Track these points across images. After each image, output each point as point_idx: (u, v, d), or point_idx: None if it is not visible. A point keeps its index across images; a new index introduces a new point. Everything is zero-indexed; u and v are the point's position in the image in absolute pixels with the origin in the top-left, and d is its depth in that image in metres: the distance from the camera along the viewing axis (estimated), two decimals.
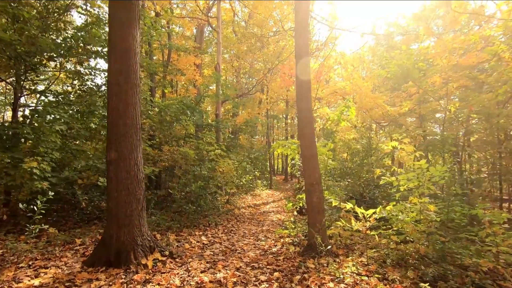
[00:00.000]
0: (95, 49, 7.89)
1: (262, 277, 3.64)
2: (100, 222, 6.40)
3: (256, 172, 15.22)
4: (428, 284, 3.14)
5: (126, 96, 4.11)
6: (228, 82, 20.10)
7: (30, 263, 3.95)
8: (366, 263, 4.11)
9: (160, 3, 11.68)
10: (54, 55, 7.57)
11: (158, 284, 3.37)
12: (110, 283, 3.35)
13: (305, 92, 4.88)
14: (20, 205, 4.45)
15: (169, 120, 9.35)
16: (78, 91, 8.02)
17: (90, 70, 8.01)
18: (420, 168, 4.32)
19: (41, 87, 9.10)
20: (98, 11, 8.17)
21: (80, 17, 8.03)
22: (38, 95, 9.15)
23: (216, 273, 3.76)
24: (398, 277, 3.53)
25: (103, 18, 7.72)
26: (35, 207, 4.21)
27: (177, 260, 4.19)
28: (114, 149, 4.03)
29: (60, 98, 7.51)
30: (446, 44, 9.93)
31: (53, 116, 6.88)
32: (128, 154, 4.07)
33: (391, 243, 4.37)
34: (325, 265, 3.98)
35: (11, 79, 7.70)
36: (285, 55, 18.46)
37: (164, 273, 3.71)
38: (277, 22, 18.96)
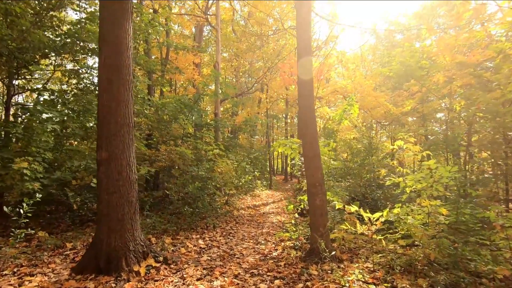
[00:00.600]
0: (92, 47, 7.65)
1: (262, 286, 3.41)
2: (94, 224, 6.16)
3: (256, 172, 14.99)
4: None
5: (118, 93, 3.87)
6: (227, 81, 19.88)
7: (15, 270, 3.71)
8: (372, 269, 3.88)
9: (158, 2, 11.46)
10: (48, 52, 7.34)
11: None
12: None
13: (307, 89, 4.65)
14: (5, 209, 4.21)
15: (167, 119, 9.12)
16: (74, 90, 7.79)
17: (86, 69, 7.77)
18: (429, 168, 4.10)
19: (39, 87, 8.89)
20: (94, 9, 7.94)
21: (76, 14, 7.77)
22: (33, 94, 8.93)
23: (213, 281, 3.53)
24: (407, 285, 3.31)
25: (98, 14, 7.48)
26: (21, 210, 3.97)
27: (172, 266, 3.96)
28: (104, 148, 3.80)
29: (55, 97, 7.26)
30: (449, 42, 9.72)
31: (45, 115, 6.65)
32: (119, 154, 3.83)
33: (398, 247, 4.14)
34: (329, 271, 3.75)
35: (3, 77, 7.45)
36: (285, 54, 18.25)
37: (157, 280, 3.48)
38: (277, 21, 18.75)
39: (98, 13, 7.26)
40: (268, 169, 20.80)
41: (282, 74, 13.95)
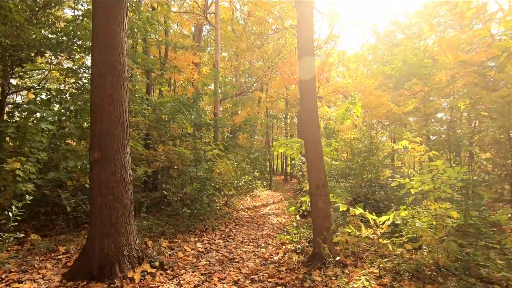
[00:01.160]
0: (89, 45, 7.47)
1: None
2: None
3: (255, 173, 14.81)
4: None
5: (112, 90, 3.69)
6: (227, 81, 19.70)
7: (4, 276, 3.53)
8: (378, 274, 3.70)
9: (157, 0, 11.26)
10: (43, 50, 7.16)
11: None
12: None
13: (308, 89, 4.47)
14: None
15: (165, 118, 8.94)
16: (71, 89, 7.61)
17: (84, 68, 7.59)
18: (436, 169, 3.92)
19: (35, 86, 8.71)
20: (89, 8, 7.76)
21: (73, 12, 7.58)
22: (29, 93, 8.75)
23: None
24: None
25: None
26: (10, 213, 3.79)
27: (168, 272, 3.78)
28: (97, 148, 3.62)
29: (51, 96, 7.07)
30: (452, 40, 9.56)
31: (39, 114, 6.48)
32: (113, 154, 3.66)
33: (405, 252, 3.97)
34: (333, 277, 3.58)
35: None
36: (285, 53, 18.07)
37: (152, 287, 3.30)
38: (277, 19, 18.57)
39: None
40: (268, 169, 20.62)
41: (282, 73, 13.78)
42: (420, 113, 12.51)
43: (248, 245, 5.45)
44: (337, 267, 3.85)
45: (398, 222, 3.77)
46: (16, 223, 3.85)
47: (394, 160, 15.40)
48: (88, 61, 8.38)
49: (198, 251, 4.83)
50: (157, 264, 3.81)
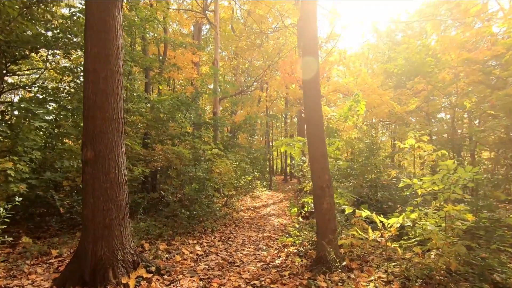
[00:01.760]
0: None
1: None
2: None
3: (255, 173, 14.62)
4: None
5: (105, 85, 3.50)
6: (226, 80, 19.52)
7: None
8: (386, 279, 3.52)
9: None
10: (38, 46, 6.96)
11: None
12: None
13: (313, 85, 4.29)
14: None
15: (163, 117, 8.74)
16: (67, 87, 7.41)
17: (81, 67, 7.39)
18: (447, 168, 3.74)
19: (30, 84, 8.51)
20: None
21: (69, 9, 7.38)
22: (26, 92, 8.56)
23: None
24: None
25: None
26: None
27: (165, 277, 3.59)
28: (90, 147, 3.42)
29: (47, 95, 6.88)
30: (455, 38, 9.41)
31: (35, 112, 6.28)
32: (107, 153, 3.46)
33: (414, 255, 3.78)
34: (340, 283, 3.39)
35: None
36: (285, 52, 17.91)
37: None
38: (277, 18, 18.40)
39: None
40: (268, 170, 20.45)
41: (283, 72, 13.59)
42: (421, 113, 12.35)
43: (249, 247, 5.26)
44: (342, 271, 3.67)
45: (408, 224, 3.58)
46: (5, 226, 3.64)
47: (394, 160, 15.23)
48: None
49: (197, 254, 4.64)
50: (153, 268, 3.62)
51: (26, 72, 9.59)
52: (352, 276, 3.63)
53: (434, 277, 3.46)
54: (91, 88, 3.48)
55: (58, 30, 6.82)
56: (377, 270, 3.94)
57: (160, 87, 13.35)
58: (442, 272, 3.53)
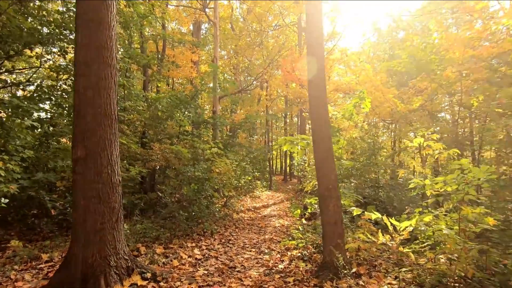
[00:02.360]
0: None
1: None
2: None
3: (255, 173, 14.40)
4: None
5: (97, 79, 3.27)
6: (226, 79, 19.28)
7: None
8: (398, 286, 3.29)
9: None
10: (32, 41, 6.72)
11: None
12: None
13: (319, 79, 4.06)
14: None
15: (161, 116, 8.50)
16: (64, 85, 7.18)
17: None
18: (461, 168, 3.52)
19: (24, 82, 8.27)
20: None
21: (65, 5, 7.14)
22: (18, 90, 8.33)
23: None
24: None
25: None
26: None
27: (161, 284, 3.36)
28: (81, 145, 3.19)
29: (41, 93, 6.64)
30: (460, 35, 9.21)
31: (27, 110, 6.05)
32: (99, 152, 3.23)
33: (427, 261, 3.56)
34: None
35: None
36: (285, 51, 17.69)
37: None
38: (277, 16, 18.18)
39: None
40: (268, 169, 20.23)
41: (284, 70, 13.37)
42: (424, 112, 12.13)
43: (250, 251, 5.03)
44: (351, 278, 3.44)
45: (422, 228, 3.35)
46: None
47: (394, 160, 15.03)
48: None
49: (196, 258, 4.41)
50: (149, 275, 3.39)
51: (21, 69, 9.35)
52: (361, 282, 3.41)
53: (449, 285, 3.24)
54: (82, 82, 3.25)
55: (53, 26, 6.58)
56: (386, 275, 3.72)
57: (159, 85, 13.10)
58: (457, 278, 3.31)
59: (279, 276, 3.74)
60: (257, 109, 19.31)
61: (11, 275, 3.49)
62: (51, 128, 6.81)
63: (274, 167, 32.89)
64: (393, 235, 3.38)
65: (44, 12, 7.08)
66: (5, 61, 7.13)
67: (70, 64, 7.25)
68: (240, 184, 11.99)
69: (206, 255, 4.59)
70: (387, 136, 19.77)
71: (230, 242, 5.61)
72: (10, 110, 5.55)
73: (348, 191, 5.53)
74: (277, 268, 4.09)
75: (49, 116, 6.84)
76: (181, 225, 5.70)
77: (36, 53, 7.81)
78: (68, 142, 7.27)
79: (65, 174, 5.92)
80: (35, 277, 3.54)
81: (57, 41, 6.86)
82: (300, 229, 5.46)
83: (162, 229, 5.62)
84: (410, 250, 3.33)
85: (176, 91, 11.10)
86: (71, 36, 6.92)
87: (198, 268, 3.99)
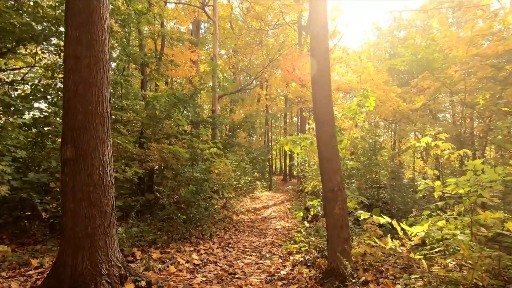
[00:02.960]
0: None
1: None
2: None
3: (255, 173, 14.20)
4: None
5: (88, 74, 3.06)
6: (225, 78, 19.10)
7: None
8: None
9: None
10: (25, 37, 6.50)
11: None
12: None
13: (323, 73, 3.86)
14: None
15: (159, 114, 8.29)
16: (60, 83, 6.96)
17: None
18: (474, 169, 3.33)
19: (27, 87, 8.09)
20: None
21: None
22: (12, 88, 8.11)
23: None
24: None
25: None
26: None
27: None
28: (70, 144, 2.98)
29: (36, 91, 6.43)
30: (464, 33, 9.04)
31: (18, 108, 5.84)
32: (90, 152, 3.02)
33: (439, 268, 3.36)
34: None
35: None
36: (285, 48, 17.50)
37: None
38: (277, 15, 17.99)
39: None
40: (268, 170, 20.03)
41: (284, 69, 13.18)
42: (426, 111, 11.96)
43: (251, 255, 4.83)
44: (357, 285, 3.24)
45: (435, 233, 3.15)
46: None
47: (394, 160, 14.87)
48: None
49: (194, 263, 4.20)
50: (143, 283, 3.18)
51: (15, 68, 9.13)
52: None
53: None
54: (72, 77, 3.04)
55: (46, 21, 6.37)
56: (395, 282, 3.52)
57: (158, 83, 12.89)
58: (472, 286, 3.12)
59: (281, 283, 3.54)
60: (257, 109, 19.13)
61: None
62: (46, 128, 6.61)
63: (273, 167, 32.72)
64: (404, 240, 3.18)
65: (38, 8, 6.87)
66: None
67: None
68: (239, 185, 11.80)
69: (205, 260, 4.39)
70: (387, 136, 19.61)
71: (230, 245, 5.40)
72: (1, 108, 5.35)
73: (352, 193, 5.34)
74: (279, 274, 3.89)
75: (44, 116, 6.64)
76: (179, 228, 5.50)
77: (31, 50, 7.60)
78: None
79: (59, 175, 5.71)
80: (22, 285, 3.33)
81: (51, 38, 6.65)
82: (303, 232, 5.25)
83: (159, 232, 5.42)
84: (422, 256, 3.13)
85: (174, 90, 10.89)
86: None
87: (196, 275, 3.78)
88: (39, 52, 7.56)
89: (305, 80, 13.25)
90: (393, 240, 3.38)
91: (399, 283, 3.51)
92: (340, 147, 5.52)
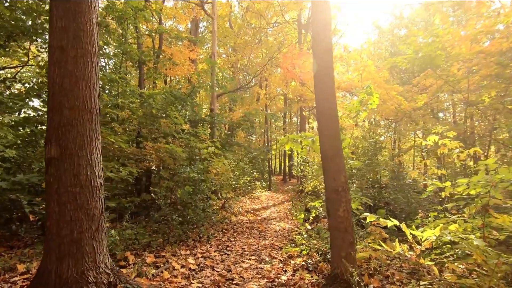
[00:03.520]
0: None
1: None
2: None
3: (254, 173, 13.99)
4: None
5: (75, 67, 2.85)
6: (224, 77, 18.91)
7: None
8: None
9: None
10: (15, 33, 6.29)
11: None
12: None
13: (326, 71, 3.66)
14: None
15: (155, 113, 8.07)
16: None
17: None
18: (486, 169, 3.13)
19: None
20: None
21: None
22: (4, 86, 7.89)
23: None
24: None
25: None
26: None
27: None
28: (55, 142, 2.77)
29: (29, 89, 6.21)
30: (467, 31, 8.87)
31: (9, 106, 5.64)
32: (77, 150, 2.81)
33: (450, 274, 3.16)
34: None
35: None
36: (285, 48, 17.30)
37: None
38: (277, 13, 17.79)
39: None
40: (268, 169, 19.83)
41: (284, 67, 12.98)
42: (427, 110, 11.78)
43: (249, 259, 4.62)
44: None
45: (448, 238, 2.94)
46: None
47: (394, 160, 14.70)
48: None
49: (189, 268, 3.99)
50: None
51: (6, 67, 8.91)
52: None
53: None
54: (57, 70, 2.82)
55: (38, 15, 6.15)
56: None
57: (157, 82, 12.66)
58: None
59: None
60: (256, 108, 18.94)
61: None
62: (39, 127, 6.39)
63: (273, 167, 32.54)
64: (413, 245, 2.98)
65: (29, 2, 6.65)
66: None
67: None
68: (239, 185, 11.60)
69: (201, 265, 4.18)
70: (387, 136, 19.44)
71: (228, 248, 5.19)
72: None
73: (355, 193, 5.14)
74: (279, 280, 3.68)
75: (38, 114, 6.43)
76: (175, 230, 5.28)
77: (24, 48, 7.38)
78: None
79: None
80: None
81: (45, 34, 6.43)
82: (304, 235, 5.05)
83: (154, 234, 5.20)
84: (432, 263, 2.92)
85: (172, 88, 10.67)
86: None
87: (192, 281, 3.57)
88: (33, 49, 7.35)
89: (305, 79, 13.04)
90: (401, 243, 3.17)
91: None
92: (342, 146, 5.32)
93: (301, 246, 4.83)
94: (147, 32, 10.95)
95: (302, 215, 5.41)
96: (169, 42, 15.93)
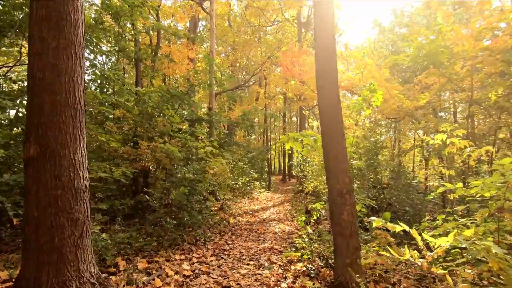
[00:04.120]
0: None
1: None
2: None
3: (254, 173, 13.76)
4: None
5: (57, 59, 2.62)
6: (223, 76, 18.67)
7: None
8: None
9: None
10: (3, 27, 6.04)
11: None
12: None
13: (329, 66, 3.44)
14: None
15: (151, 111, 7.83)
16: None
17: None
18: (503, 169, 2.91)
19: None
20: None
21: None
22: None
23: None
24: None
25: None
26: None
27: None
28: (34, 140, 2.54)
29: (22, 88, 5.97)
30: (470, 28, 8.68)
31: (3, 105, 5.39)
32: (58, 149, 2.58)
33: (462, 283, 2.93)
34: None
35: None
36: (284, 46, 17.07)
37: None
38: (276, 10, 17.57)
39: None
40: (267, 169, 19.61)
41: (283, 65, 12.76)
42: (428, 110, 11.58)
43: (248, 264, 4.39)
44: None
45: (463, 245, 2.72)
46: None
47: (394, 160, 14.50)
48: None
49: (184, 275, 3.76)
50: None
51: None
52: None
53: None
54: (37, 62, 2.60)
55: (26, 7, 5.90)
56: None
57: (154, 81, 12.42)
58: None
59: None
60: (255, 107, 18.75)
61: None
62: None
63: (272, 167, 32.34)
64: (423, 251, 2.76)
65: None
66: None
67: None
68: (237, 185, 11.37)
69: (196, 271, 3.94)
70: (387, 135, 19.24)
71: (225, 252, 4.96)
72: None
73: (359, 195, 4.92)
74: (280, 287, 3.45)
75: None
76: (170, 233, 5.05)
77: (17, 44, 7.14)
78: None
79: None
80: None
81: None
82: (305, 239, 4.82)
83: (148, 238, 4.97)
84: (446, 271, 2.70)
85: (168, 86, 10.42)
86: None
87: None
88: (26, 44, 7.11)
89: (305, 77, 12.83)
90: (410, 250, 2.95)
91: None
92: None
93: (302, 250, 4.61)
94: (144, 30, 10.72)
95: (303, 218, 5.19)
96: (167, 41, 15.70)
